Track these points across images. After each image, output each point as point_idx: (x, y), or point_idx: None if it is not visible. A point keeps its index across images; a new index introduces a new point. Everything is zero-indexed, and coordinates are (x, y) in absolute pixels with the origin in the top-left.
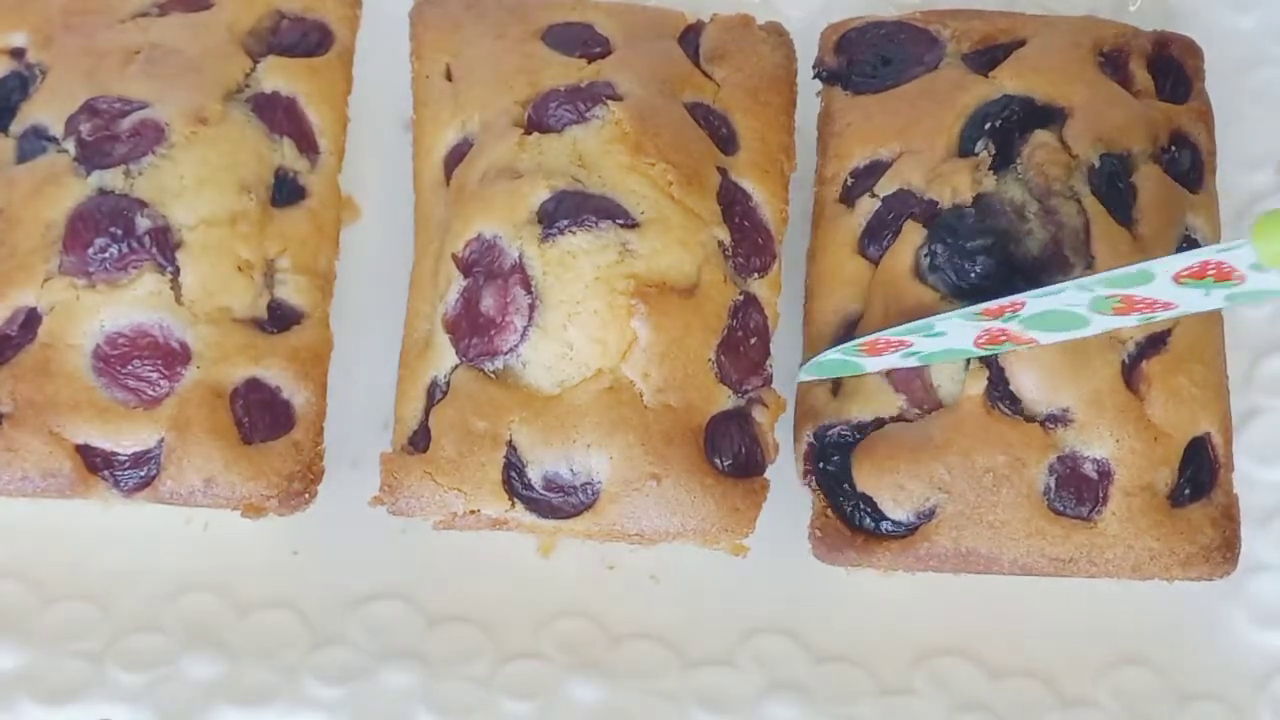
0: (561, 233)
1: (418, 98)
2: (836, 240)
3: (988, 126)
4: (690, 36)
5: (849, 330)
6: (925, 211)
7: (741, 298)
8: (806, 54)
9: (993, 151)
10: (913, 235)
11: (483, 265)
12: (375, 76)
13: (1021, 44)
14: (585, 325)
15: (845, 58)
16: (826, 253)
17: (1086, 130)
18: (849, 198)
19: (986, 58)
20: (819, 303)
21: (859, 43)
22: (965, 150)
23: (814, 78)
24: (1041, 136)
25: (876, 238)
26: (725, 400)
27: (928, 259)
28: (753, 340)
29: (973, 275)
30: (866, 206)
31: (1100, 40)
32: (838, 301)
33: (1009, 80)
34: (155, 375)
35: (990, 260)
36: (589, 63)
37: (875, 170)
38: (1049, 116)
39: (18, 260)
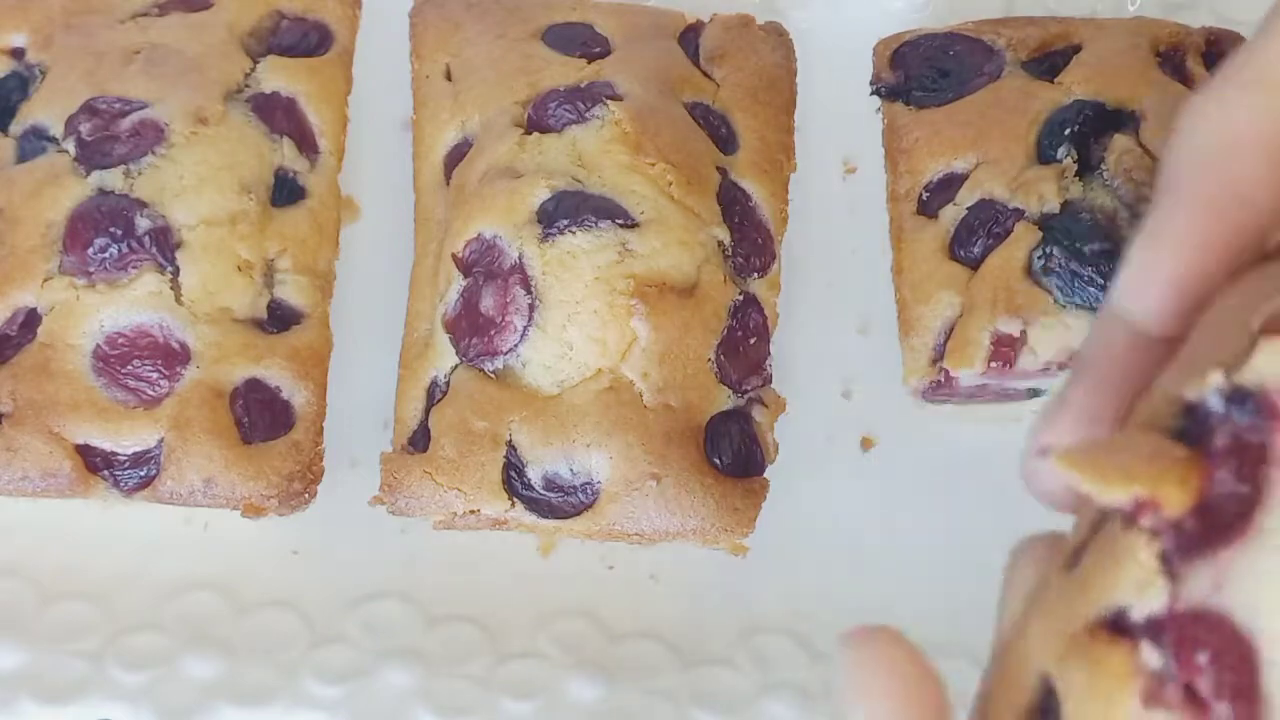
0: (561, 233)
1: (417, 98)
2: (925, 249)
3: (1067, 133)
4: (690, 36)
5: (949, 332)
6: (1015, 219)
7: (741, 298)
8: (806, 55)
9: (1075, 158)
10: (1026, 237)
11: (483, 265)
12: (375, 76)
13: (1078, 49)
14: (585, 325)
15: (902, 72)
16: (916, 262)
17: (1162, 132)
18: (927, 211)
19: (1046, 65)
20: (917, 310)
21: (914, 57)
22: (1044, 158)
23: (872, 94)
24: (1123, 141)
25: (967, 243)
26: (725, 400)
27: (1041, 261)
28: (753, 340)
29: (1089, 279)
30: (951, 214)
31: (1156, 40)
32: (936, 305)
33: (1076, 85)
34: (155, 375)
35: (1107, 265)
36: (589, 63)
37: (951, 183)
38: (1121, 120)
39: (17, 260)
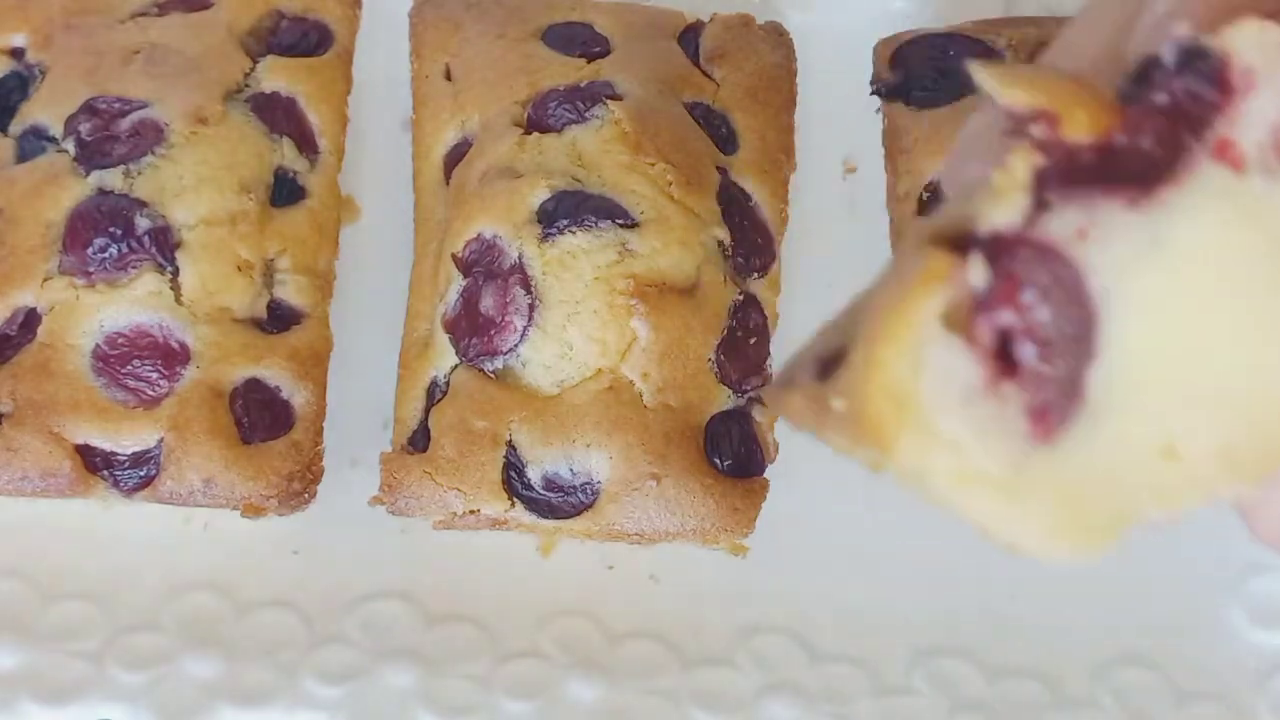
0: (561, 232)
1: (417, 97)
2: None
3: None
4: (690, 36)
5: None
6: None
7: (741, 298)
8: (806, 55)
9: None
10: None
11: (482, 265)
12: (375, 76)
13: None
14: (585, 325)
15: (902, 72)
16: None
17: None
18: (928, 211)
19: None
20: None
21: (914, 56)
22: None
23: (872, 94)
24: None
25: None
26: (725, 400)
27: None
28: (752, 340)
29: None
30: None
31: None
32: None
33: None
34: (155, 375)
35: None
36: (588, 63)
37: None
38: None
39: (17, 260)
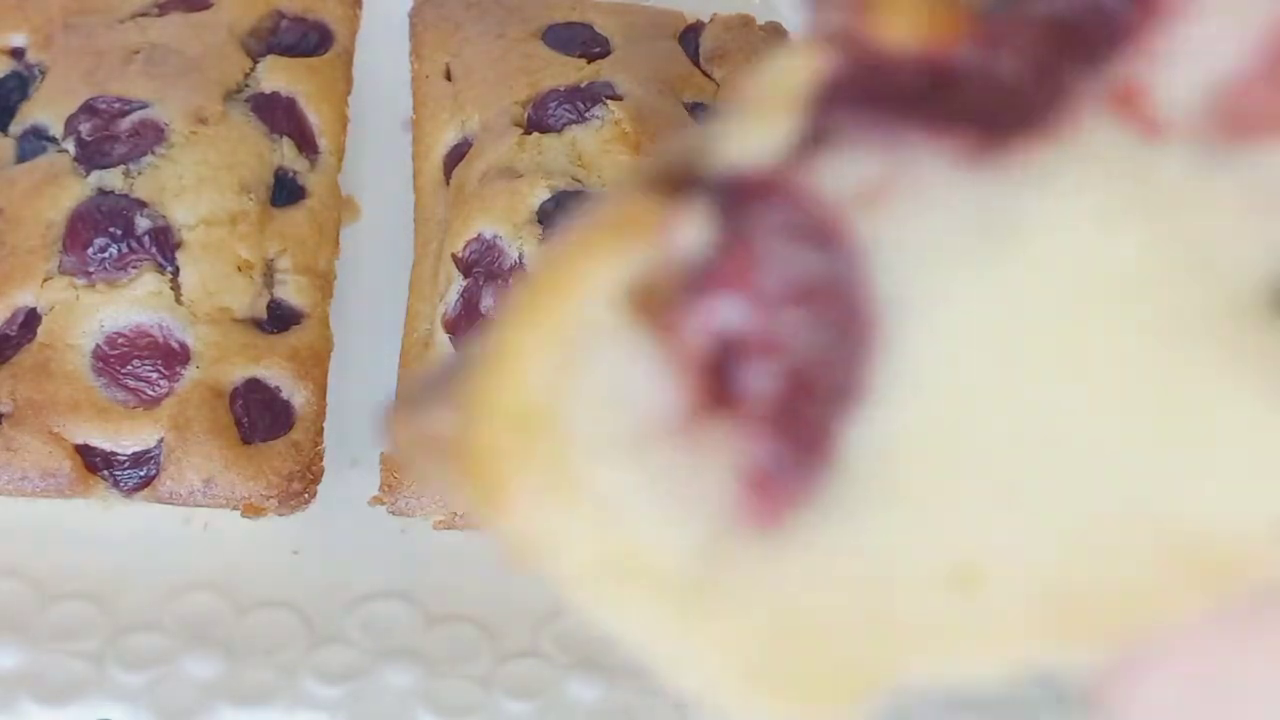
0: None
1: (417, 98)
2: None
3: None
4: (690, 36)
5: None
6: None
7: None
8: None
9: None
10: None
11: (483, 265)
12: (375, 76)
13: None
14: None
15: None
16: None
17: None
18: None
19: None
20: None
21: None
22: None
23: None
24: None
25: None
26: None
27: None
28: None
29: None
30: None
31: None
32: None
33: None
34: (155, 375)
35: None
36: (589, 62)
37: None
38: None
39: (17, 260)
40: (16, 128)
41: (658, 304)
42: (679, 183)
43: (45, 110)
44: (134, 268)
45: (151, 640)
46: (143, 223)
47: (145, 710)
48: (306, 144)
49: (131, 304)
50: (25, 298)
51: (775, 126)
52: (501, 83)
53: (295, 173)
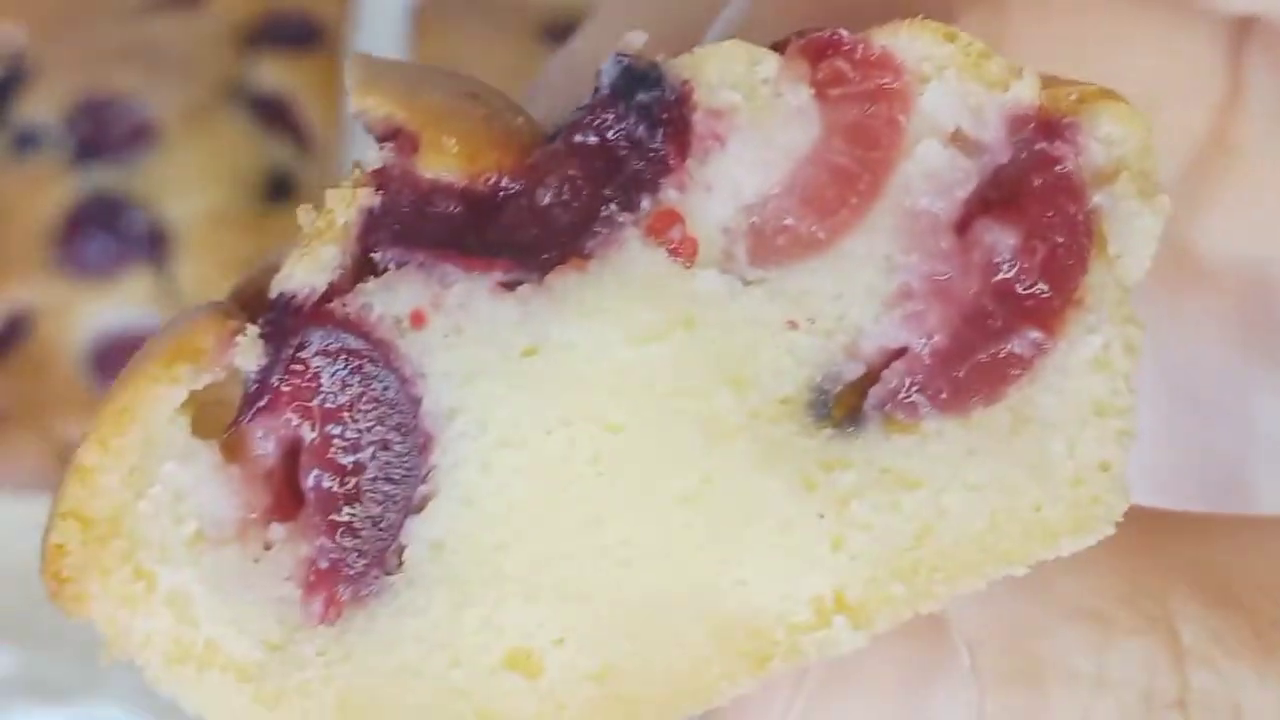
0: None
1: None
2: None
3: None
4: None
5: None
6: None
7: None
8: None
9: None
10: None
11: None
12: None
13: None
14: None
15: None
16: None
17: None
18: None
19: None
20: None
21: None
22: None
23: None
24: None
25: None
26: None
27: None
28: None
29: None
30: None
31: None
32: None
33: None
34: None
35: None
36: None
37: None
38: None
39: (11, 258)
40: (11, 125)
41: (218, 419)
42: (247, 302)
43: (40, 107)
44: (128, 266)
45: None
46: (136, 221)
47: (143, 710)
48: (302, 140)
49: (125, 302)
50: (18, 296)
51: (323, 256)
52: (501, 81)
53: (291, 169)
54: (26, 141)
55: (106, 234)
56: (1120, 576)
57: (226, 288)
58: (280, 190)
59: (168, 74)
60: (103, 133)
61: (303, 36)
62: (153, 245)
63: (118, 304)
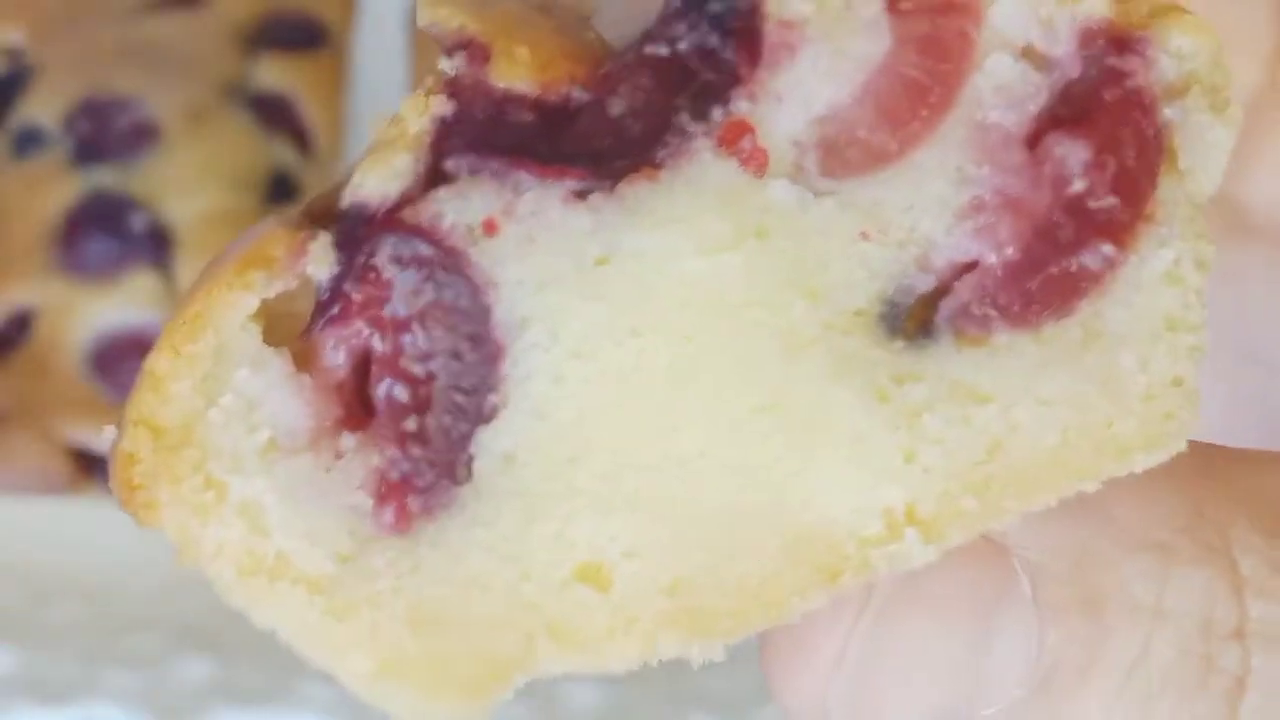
0: None
1: None
2: None
3: None
4: None
5: None
6: None
7: None
8: None
9: None
10: None
11: None
12: (374, 74)
13: None
14: None
15: None
16: None
17: None
18: None
19: None
20: None
21: None
22: None
23: None
24: None
25: None
26: None
27: None
28: None
29: None
30: None
31: None
32: None
33: None
34: None
35: None
36: None
37: None
38: None
39: (12, 258)
40: (12, 125)
41: (290, 330)
42: (317, 216)
43: (41, 107)
44: (129, 266)
45: (148, 640)
46: (138, 221)
47: (141, 710)
48: (303, 141)
49: (126, 303)
50: (19, 296)
51: (396, 164)
52: None
53: (292, 170)
54: (27, 142)
55: (107, 234)
56: (1182, 507)
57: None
58: (281, 190)
59: (168, 74)
60: (103, 133)
61: (304, 37)
62: (154, 245)
63: (119, 304)
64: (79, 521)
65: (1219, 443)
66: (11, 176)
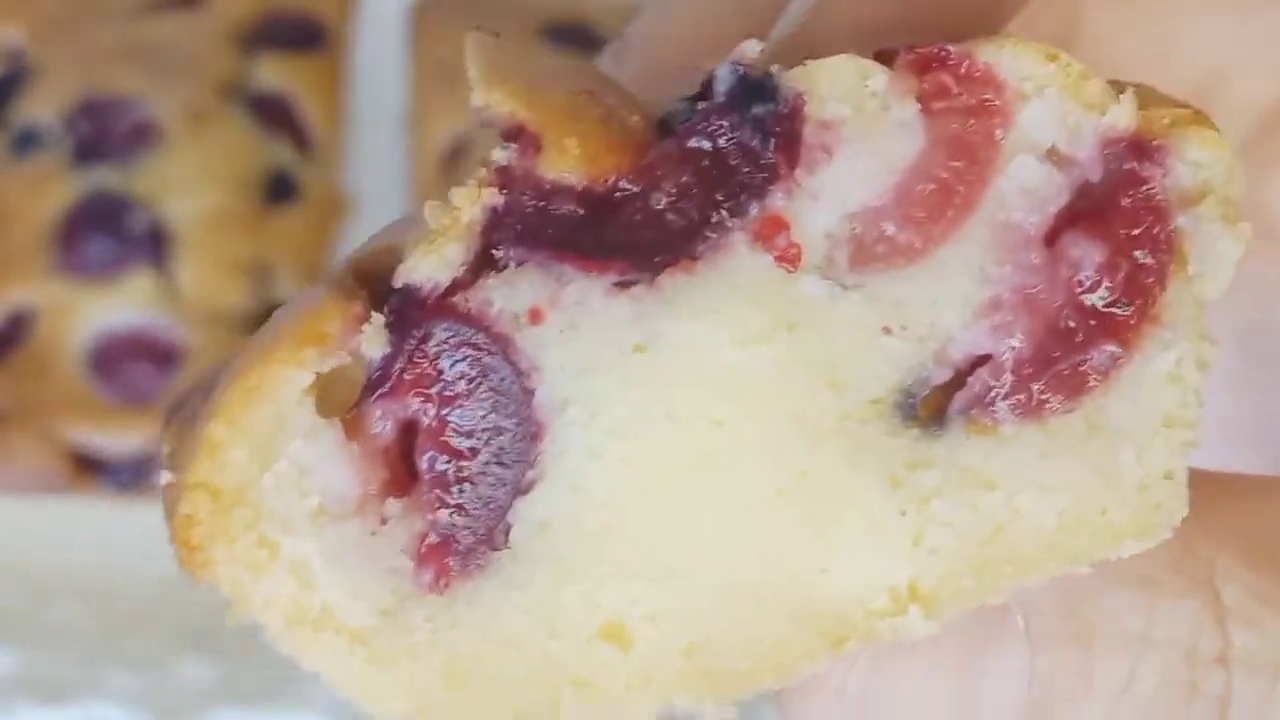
0: None
1: (416, 96)
2: None
3: None
4: None
5: None
6: None
7: None
8: None
9: None
10: None
11: None
12: (373, 74)
13: None
14: None
15: None
16: None
17: None
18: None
19: None
20: None
21: None
22: None
23: None
24: None
25: None
26: None
27: None
28: None
29: None
30: None
31: None
32: None
33: None
34: (149, 374)
35: None
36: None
37: None
38: None
39: (12, 258)
40: (12, 125)
41: (339, 394)
42: (365, 277)
43: (41, 108)
44: (129, 267)
45: (148, 640)
46: (138, 221)
47: (142, 710)
48: (303, 141)
49: (126, 303)
50: (20, 297)
51: (448, 254)
52: None
53: (291, 170)
54: (27, 141)
55: (107, 234)
56: (1171, 544)
57: (345, 261)
58: (280, 190)
59: (168, 74)
60: (103, 133)
61: (303, 37)
62: (153, 245)
63: (118, 304)
64: (79, 521)
65: (1234, 449)
66: (11, 176)
